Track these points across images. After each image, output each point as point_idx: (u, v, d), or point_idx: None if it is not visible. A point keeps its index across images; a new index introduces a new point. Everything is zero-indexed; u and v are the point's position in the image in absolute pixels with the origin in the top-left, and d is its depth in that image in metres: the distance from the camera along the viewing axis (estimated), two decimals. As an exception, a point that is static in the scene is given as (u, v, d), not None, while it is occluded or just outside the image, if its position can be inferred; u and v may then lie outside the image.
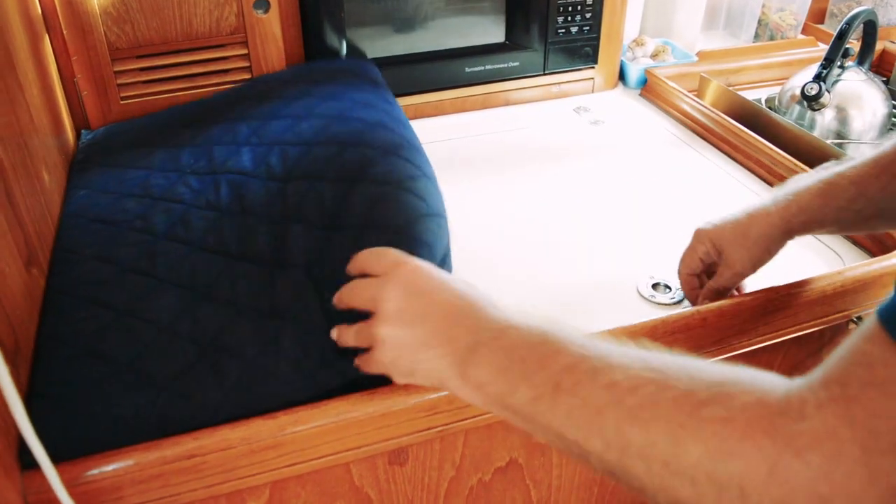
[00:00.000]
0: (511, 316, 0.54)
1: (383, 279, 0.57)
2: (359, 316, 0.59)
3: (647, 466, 0.42)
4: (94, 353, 0.63)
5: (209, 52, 0.99)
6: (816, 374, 0.40)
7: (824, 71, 1.12)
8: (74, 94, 0.96)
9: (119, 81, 0.97)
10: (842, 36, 1.10)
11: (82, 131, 0.97)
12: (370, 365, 0.59)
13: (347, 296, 0.59)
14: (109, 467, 0.57)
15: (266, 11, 0.98)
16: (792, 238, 0.73)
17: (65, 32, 0.92)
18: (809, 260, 0.89)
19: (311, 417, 0.61)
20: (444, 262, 0.70)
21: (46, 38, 0.91)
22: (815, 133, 1.16)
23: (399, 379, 0.58)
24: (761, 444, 0.38)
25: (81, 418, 0.58)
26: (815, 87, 1.11)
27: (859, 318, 0.85)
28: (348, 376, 0.62)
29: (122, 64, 0.96)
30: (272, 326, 0.62)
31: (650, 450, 0.42)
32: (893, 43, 1.46)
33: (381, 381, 0.61)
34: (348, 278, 0.61)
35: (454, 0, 1.09)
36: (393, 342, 0.56)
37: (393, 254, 0.59)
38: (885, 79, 1.40)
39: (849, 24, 1.11)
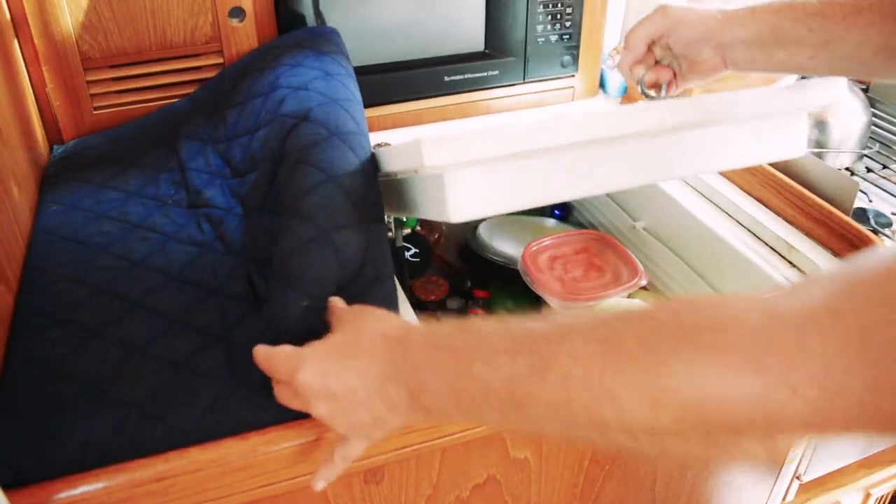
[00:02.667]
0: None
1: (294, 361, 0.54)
2: None
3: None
4: (63, 374, 0.61)
5: (184, 61, 0.97)
6: None
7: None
8: (47, 105, 0.95)
9: (92, 91, 0.95)
10: (821, 45, 1.10)
11: (54, 146, 0.95)
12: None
13: (265, 365, 0.57)
14: (78, 490, 0.56)
15: (241, 20, 0.97)
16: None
17: (36, 42, 0.90)
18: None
19: (284, 438, 0.60)
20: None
21: (17, 46, 0.89)
22: (795, 141, 1.16)
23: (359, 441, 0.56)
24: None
25: (48, 439, 0.57)
26: (795, 95, 1.11)
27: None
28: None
29: (95, 73, 0.95)
30: (248, 355, 0.61)
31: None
32: (872, 50, 1.46)
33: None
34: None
35: (432, 8, 1.08)
36: (329, 415, 0.53)
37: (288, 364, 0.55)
38: (864, 87, 1.41)
39: (827, 32, 1.11)
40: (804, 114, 0.78)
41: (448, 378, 0.47)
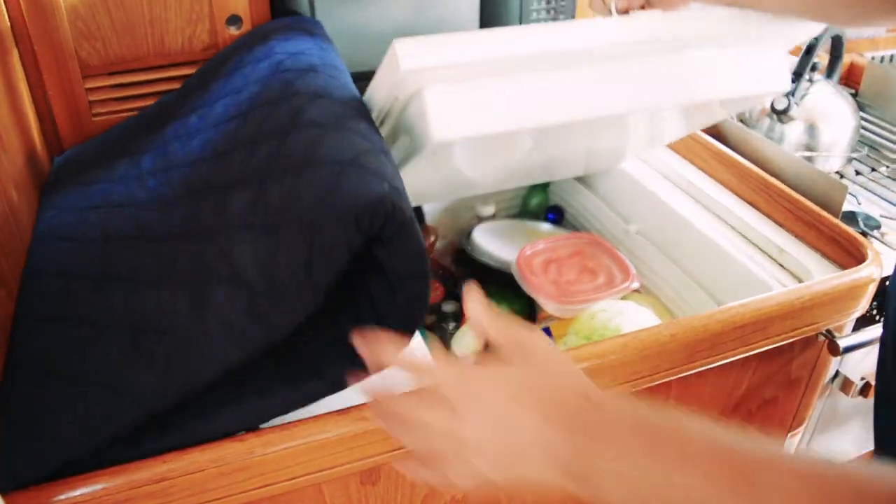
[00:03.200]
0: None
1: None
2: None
3: None
4: (46, 371, 0.62)
5: (182, 68, 0.98)
6: None
7: (793, 85, 1.13)
8: (46, 111, 0.96)
9: (91, 98, 0.96)
10: (809, 51, 1.12)
11: (54, 158, 0.96)
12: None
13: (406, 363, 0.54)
14: (76, 492, 0.57)
15: (239, 28, 0.98)
16: None
17: (35, 49, 0.91)
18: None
19: (281, 439, 0.61)
20: (403, 196, 0.63)
21: (16, 53, 0.90)
22: (785, 145, 1.18)
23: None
24: None
25: (32, 438, 0.58)
26: (784, 101, 1.12)
27: (829, 332, 0.86)
28: (273, 324, 0.60)
29: (94, 81, 0.96)
30: (202, 292, 0.61)
31: None
32: (862, 56, 1.48)
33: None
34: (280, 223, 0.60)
35: (427, 12, 1.09)
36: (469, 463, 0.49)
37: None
38: (853, 91, 1.43)
39: (816, 39, 1.12)
40: (781, 45, 0.80)
41: (635, 473, 0.44)
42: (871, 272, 0.83)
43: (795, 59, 1.15)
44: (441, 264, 1.22)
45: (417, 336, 0.71)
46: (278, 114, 0.72)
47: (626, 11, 0.79)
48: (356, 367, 0.61)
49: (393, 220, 0.59)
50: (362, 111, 0.72)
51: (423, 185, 1.00)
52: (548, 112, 0.71)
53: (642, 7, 0.78)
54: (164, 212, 0.73)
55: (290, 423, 0.62)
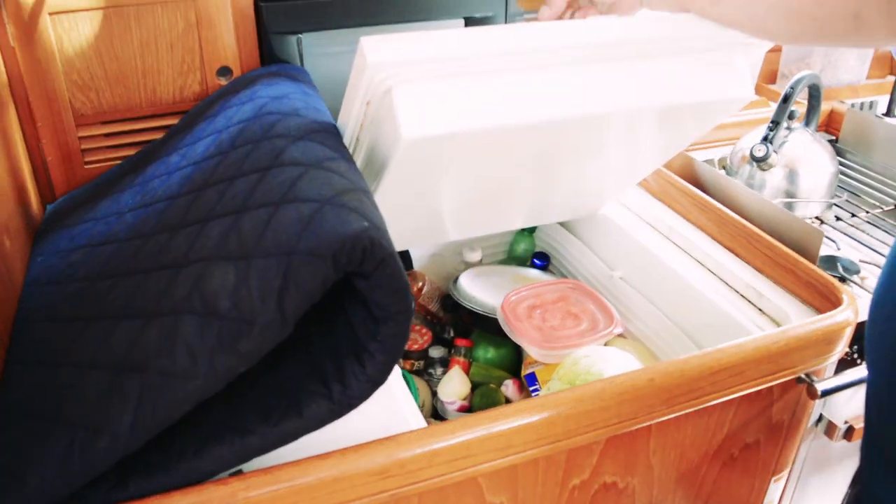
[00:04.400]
0: None
1: None
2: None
3: None
4: (29, 415, 0.63)
5: (173, 118, 1.01)
6: None
7: (771, 133, 1.16)
8: (40, 160, 0.98)
9: (83, 146, 0.99)
10: (787, 99, 1.15)
11: (47, 205, 0.98)
12: None
13: None
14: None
15: (229, 79, 1.01)
16: None
17: (31, 99, 0.94)
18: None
19: (265, 482, 0.61)
20: (382, 232, 0.63)
21: (12, 106, 0.93)
22: (766, 192, 1.20)
23: None
24: None
25: (15, 482, 0.58)
26: (763, 148, 1.15)
27: (808, 376, 0.87)
28: (242, 352, 0.59)
29: (87, 130, 0.98)
30: (172, 325, 0.61)
31: None
32: (842, 103, 1.52)
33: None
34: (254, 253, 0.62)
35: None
36: None
37: None
38: (833, 138, 1.46)
39: (793, 87, 1.16)
40: (738, 50, 0.82)
41: None
42: (846, 317, 0.84)
43: (773, 106, 1.19)
44: (428, 310, 1.23)
45: (396, 370, 0.73)
46: (259, 152, 0.74)
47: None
48: (335, 403, 0.62)
49: (372, 256, 0.60)
50: (344, 153, 0.74)
51: (405, 221, 1.01)
52: (516, 111, 0.73)
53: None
54: (142, 246, 0.74)
55: (272, 466, 0.62)
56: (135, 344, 0.63)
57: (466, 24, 1.11)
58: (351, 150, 0.81)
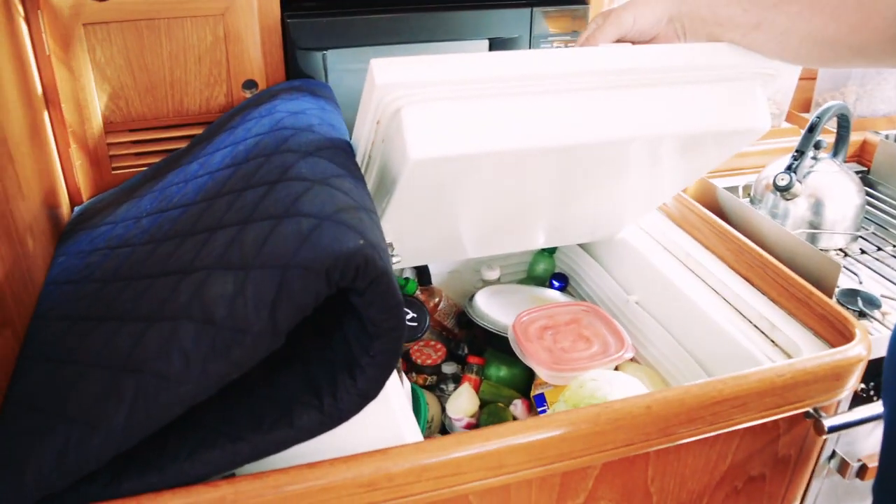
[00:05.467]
0: None
1: None
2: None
3: None
4: (33, 408, 0.65)
5: (198, 128, 1.04)
6: None
7: (795, 162, 1.15)
8: (70, 164, 1.01)
9: (111, 153, 1.02)
10: (812, 129, 1.14)
11: (75, 208, 1.02)
12: None
13: None
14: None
15: (254, 91, 1.04)
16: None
17: (63, 106, 0.98)
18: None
19: (252, 488, 0.63)
20: (379, 251, 0.64)
21: (46, 113, 0.96)
22: (789, 221, 1.19)
23: None
24: None
25: (14, 472, 0.60)
26: (786, 177, 1.14)
27: (816, 410, 0.86)
28: (233, 359, 0.61)
29: (115, 136, 1.01)
30: (172, 329, 0.63)
31: None
32: (877, 134, 1.49)
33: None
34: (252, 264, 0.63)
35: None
36: None
37: None
38: (865, 169, 1.44)
39: (820, 117, 1.14)
40: (759, 81, 0.82)
41: None
42: (857, 352, 0.83)
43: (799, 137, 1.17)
44: (444, 325, 1.24)
45: (398, 384, 0.74)
46: (269, 166, 0.76)
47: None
48: (325, 416, 0.63)
49: (365, 274, 0.61)
50: (352, 170, 0.76)
51: (421, 237, 1.02)
52: (526, 135, 0.74)
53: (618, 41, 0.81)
54: (153, 251, 0.77)
55: (260, 472, 0.64)
56: (136, 346, 0.65)
57: (491, 46, 1.13)
58: (363, 167, 0.82)
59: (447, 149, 0.72)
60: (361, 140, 0.80)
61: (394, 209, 0.84)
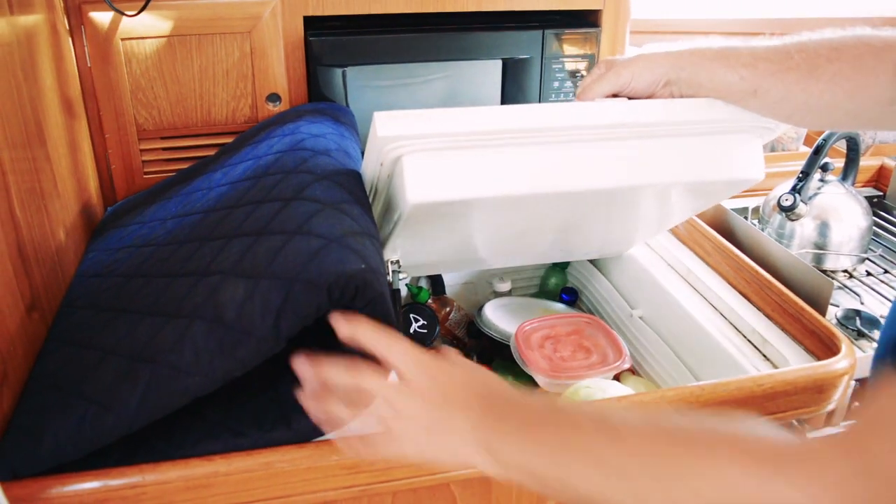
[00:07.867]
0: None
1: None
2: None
3: None
4: (54, 386, 0.72)
5: (225, 137, 1.11)
6: None
7: (800, 183, 1.17)
8: (105, 168, 1.09)
9: (144, 158, 1.10)
10: (818, 151, 1.16)
11: (108, 208, 1.09)
12: (382, 444, 0.63)
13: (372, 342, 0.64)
14: (66, 488, 0.65)
15: (277, 105, 1.10)
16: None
17: (101, 114, 1.06)
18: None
19: (244, 464, 0.68)
20: (377, 275, 0.70)
21: (84, 118, 1.04)
22: (794, 241, 1.21)
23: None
24: None
25: (33, 441, 0.67)
26: (791, 198, 1.16)
27: (800, 422, 0.88)
28: (238, 357, 0.67)
29: (148, 143, 1.09)
30: (186, 326, 0.68)
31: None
32: (895, 160, 1.50)
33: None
34: (263, 273, 0.69)
35: (456, 93, 1.18)
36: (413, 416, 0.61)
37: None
38: (881, 194, 1.44)
39: (825, 140, 1.16)
40: (753, 134, 0.84)
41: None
42: (841, 365, 0.85)
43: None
44: (454, 334, 1.28)
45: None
46: (286, 183, 0.82)
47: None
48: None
49: (363, 295, 0.68)
50: (360, 198, 0.82)
51: (431, 252, 1.07)
52: (518, 183, 0.78)
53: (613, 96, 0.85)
54: (175, 252, 0.83)
55: (254, 450, 0.69)
56: (153, 338, 0.71)
57: (504, 65, 1.18)
58: (370, 195, 0.88)
59: (444, 194, 0.77)
60: (368, 173, 0.85)
61: (400, 232, 0.89)
